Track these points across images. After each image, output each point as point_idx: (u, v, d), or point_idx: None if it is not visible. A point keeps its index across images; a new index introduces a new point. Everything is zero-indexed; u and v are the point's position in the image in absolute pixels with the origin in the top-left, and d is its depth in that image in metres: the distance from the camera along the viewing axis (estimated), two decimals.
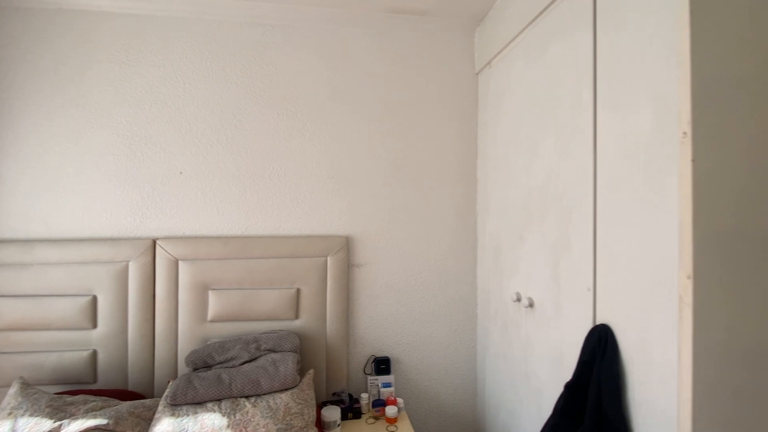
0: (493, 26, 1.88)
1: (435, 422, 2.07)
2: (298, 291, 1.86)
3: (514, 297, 1.61)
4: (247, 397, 1.53)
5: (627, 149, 0.99)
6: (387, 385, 1.90)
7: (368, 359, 1.99)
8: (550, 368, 1.38)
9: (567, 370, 1.22)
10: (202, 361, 1.67)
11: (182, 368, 1.77)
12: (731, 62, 0.66)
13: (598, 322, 1.13)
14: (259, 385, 1.54)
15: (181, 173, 1.85)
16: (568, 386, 1.12)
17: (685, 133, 0.66)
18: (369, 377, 1.92)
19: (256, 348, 1.71)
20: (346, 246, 1.93)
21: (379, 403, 1.82)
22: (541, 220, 1.45)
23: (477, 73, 2.09)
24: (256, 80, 1.91)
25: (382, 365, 1.95)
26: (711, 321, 0.66)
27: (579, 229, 1.22)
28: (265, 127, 1.91)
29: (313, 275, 1.87)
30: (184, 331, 1.79)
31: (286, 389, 1.57)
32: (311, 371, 1.72)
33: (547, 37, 1.42)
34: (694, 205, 0.65)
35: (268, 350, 1.71)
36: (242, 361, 1.67)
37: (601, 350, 1.06)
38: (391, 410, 1.75)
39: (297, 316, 1.86)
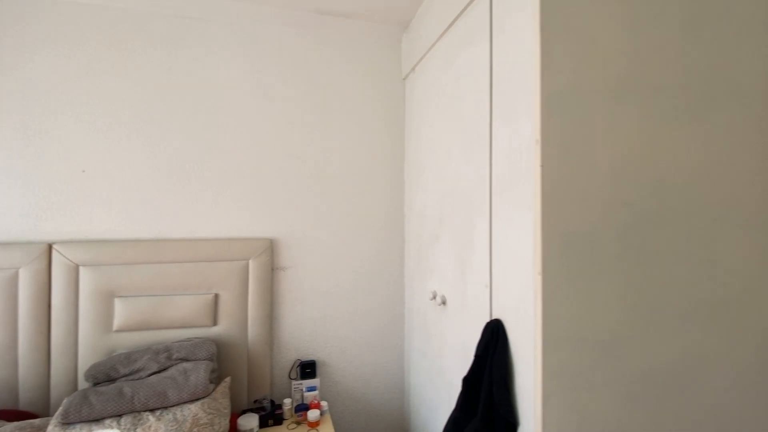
0: (415, 33, 1.94)
1: (363, 422, 2.08)
2: (217, 296, 1.79)
3: (431, 295, 1.66)
4: (152, 410, 1.44)
5: (512, 156, 1.06)
6: (312, 388, 1.88)
7: (293, 364, 1.95)
8: (459, 363, 1.44)
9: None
10: (105, 375, 1.55)
11: (83, 384, 1.63)
12: (578, 77, 0.73)
13: (493, 317, 1.19)
14: (166, 396, 1.45)
15: (83, 171, 1.71)
16: (465, 380, 1.18)
17: (537, 140, 0.73)
18: (293, 382, 1.89)
19: (166, 358, 1.61)
20: (270, 249, 1.89)
21: (302, 408, 1.79)
22: (451, 221, 1.52)
23: (404, 79, 2.14)
24: (173, 75, 1.81)
25: (307, 369, 1.93)
26: (558, 314, 0.73)
27: (480, 230, 1.28)
28: (182, 125, 1.82)
29: (233, 279, 1.81)
30: (86, 343, 1.65)
31: (197, 399, 1.50)
32: (227, 379, 1.66)
33: (456, 47, 1.48)
34: (543, 207, 0.72)
35: (180, 359, 1.62)
36: (150, 372, 1.57)
37: (493, 344, 1.13)
38: (313, 414, 1.73)
39: (215, 323, 1.79)
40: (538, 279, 0.73)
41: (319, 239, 2.01)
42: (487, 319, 1.21)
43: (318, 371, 1.98)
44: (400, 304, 2.14)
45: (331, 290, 2.03)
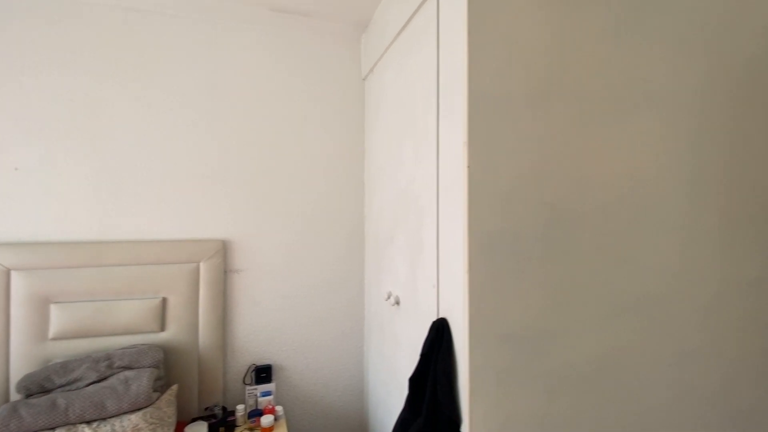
0: (373, 34, 1.94)
1: (321, 426, 2.05)
2: (165, 300, 1.71)
3: (386, 296, 1.66)
4: (88, 422, 1.36)
5: (453, 157, 1.08)
6: (266, 393, 1.83)
7: (248, 368, 1.90)
8: (411, 363, 1.44)
9: None
10: (38, 386, 1.45)
11: (16, 396, 1.52)
12: (504, 80, 0.74)
13: (440, 316, 1.20)
14: (104, 407, 1.38)
15: (16, 169, 1.60)
16: (410, 380, 1.18)
17: (464, 141, 0.74)
18: (247, 387, 1.84)
19: (107, 366, 1.53)
20: (223, 250, 1.84)
21: (256, 414, 1.75)
22: (405, 222, 1.52)
23: (363, 79, 2.14)
24: (119, 70, 1.73)
25: (262, 374, 1.88)
26: (484, 311, 0.74)
27: (428, 230, 1.29)
28: (130, 121, 1.74)
29: (182, 283, 1.74)
30: (18, 353, 1.55)
31: (139, 409, 1.43)
32: (174, 387, 1.59)
33: (408, 49, 1.49)
34: (469, 206, 0.73)
35: (122, 367, 1.54)
36: (88, 382, 1.48)
37: (438, 343, 1.13)
38: (266, 420, 1.69)
39: (163, 328, 1.72)
40: (465, 277, 0.74)
41: (276, 241, 1.97)
42: (435, 318, 1.22)
43: (274, 375, 1.94)
44: (361, 305, 2.13)
45: (289, 293, 1.99)
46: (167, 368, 1.69)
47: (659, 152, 0.84)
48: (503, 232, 0.75)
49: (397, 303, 1.56)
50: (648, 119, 0.83)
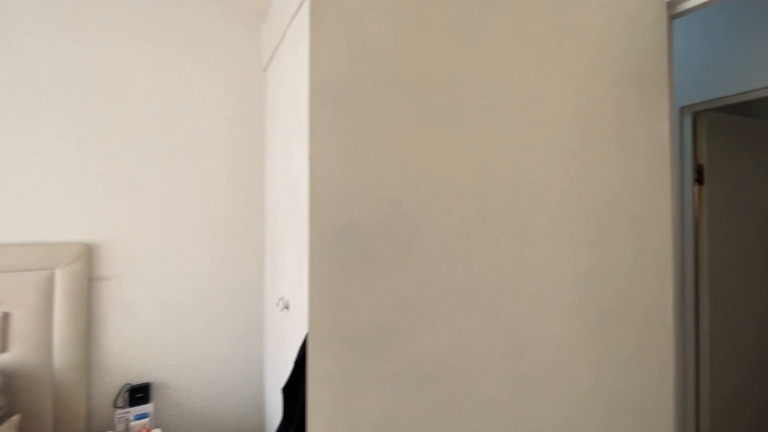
0: (270, 23, 1.84)
1: None
2: (6, 315, 1.43)
3: (277, 300, 1.56)
4: None
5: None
6: (141, 416, 1.62)
7: (121, 389, 1.67)
8: None
9: None
10: None
11: None
12: (349, 71, 0.71)
13: None
14: None
15: None
16: (283, 390, 1.10)
17: (307, 133, 0.69)
18: (118, 411, 1.61)
19: None
20: (88, 255, 1.59)
21: None
22: (293, 221, 1.44)
23: (264, 70, 2.02)
24: None
25: (138, 394, 1.66)
26: (325, 314, 0.70)
27: None
28: None
29: (31, 294, 1.47)
30: None
31: None
32: (14, 418, 1.33)
33: (297, 40, 1.42)
34: (311, 201, 0.68)
35: None
36: None
37: None
38: None
39: (4, 349, 1.43)
40: (305, 277, 0.69)
41: (158, 243, 1.76)
42: None
43: (153, 395, 1.72)
44: (260, 311, 2.00)
45: (175, 301, 1.79)
46: (10, 396, 1.41)
47: (499, 150, 0.86)
48: (347, 228, 0.71)
49: (287, 308, 1.47)
50: (489, 118, 0.85)
